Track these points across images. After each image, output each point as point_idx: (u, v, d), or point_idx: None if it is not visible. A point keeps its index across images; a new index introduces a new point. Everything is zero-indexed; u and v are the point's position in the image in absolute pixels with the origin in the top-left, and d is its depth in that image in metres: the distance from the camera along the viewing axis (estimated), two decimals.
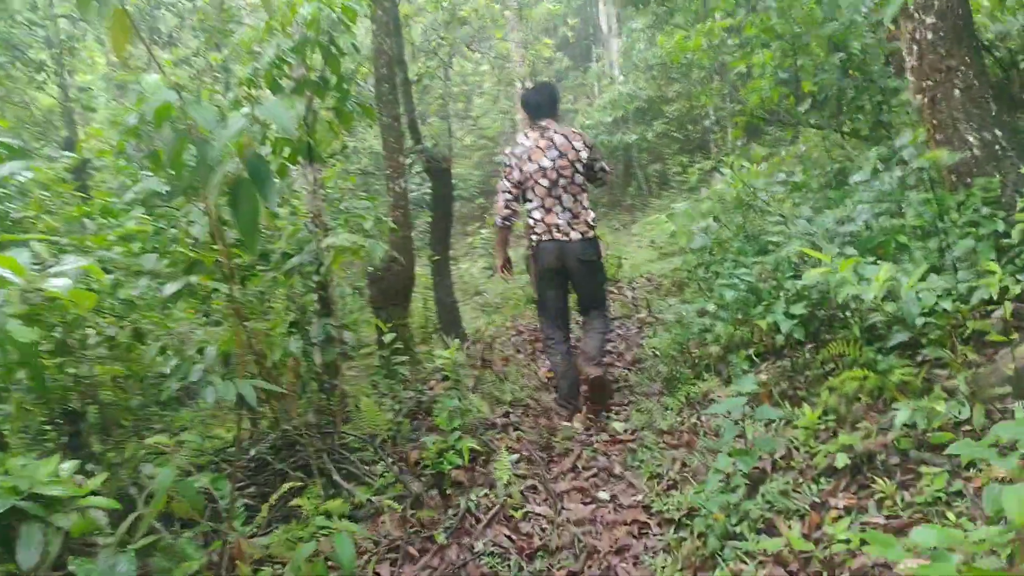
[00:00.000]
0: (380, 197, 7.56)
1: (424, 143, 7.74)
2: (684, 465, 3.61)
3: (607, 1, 21.87)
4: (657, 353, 5.57)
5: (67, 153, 10.08)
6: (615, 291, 9.08)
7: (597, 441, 4.24)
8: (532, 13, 18.29)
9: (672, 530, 3.00)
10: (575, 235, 4.48)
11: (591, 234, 4.57)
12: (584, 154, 4.50)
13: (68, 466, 2.16)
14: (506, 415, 5.07)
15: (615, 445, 4.13)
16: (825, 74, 7.92)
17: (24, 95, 12.68)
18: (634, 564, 2.85)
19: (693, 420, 4.12)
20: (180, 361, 2.57)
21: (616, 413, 4.67)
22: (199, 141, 2.14)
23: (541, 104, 4.61)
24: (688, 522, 3.03)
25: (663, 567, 2.76)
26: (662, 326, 6.51)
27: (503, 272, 5.02)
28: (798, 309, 3.58)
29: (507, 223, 4.67)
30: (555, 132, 4.49)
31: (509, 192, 4.56)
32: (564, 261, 4.52)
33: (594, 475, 3.75)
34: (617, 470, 3.76)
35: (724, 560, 2.65)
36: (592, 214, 4.61)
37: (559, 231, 4.47)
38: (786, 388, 3.74)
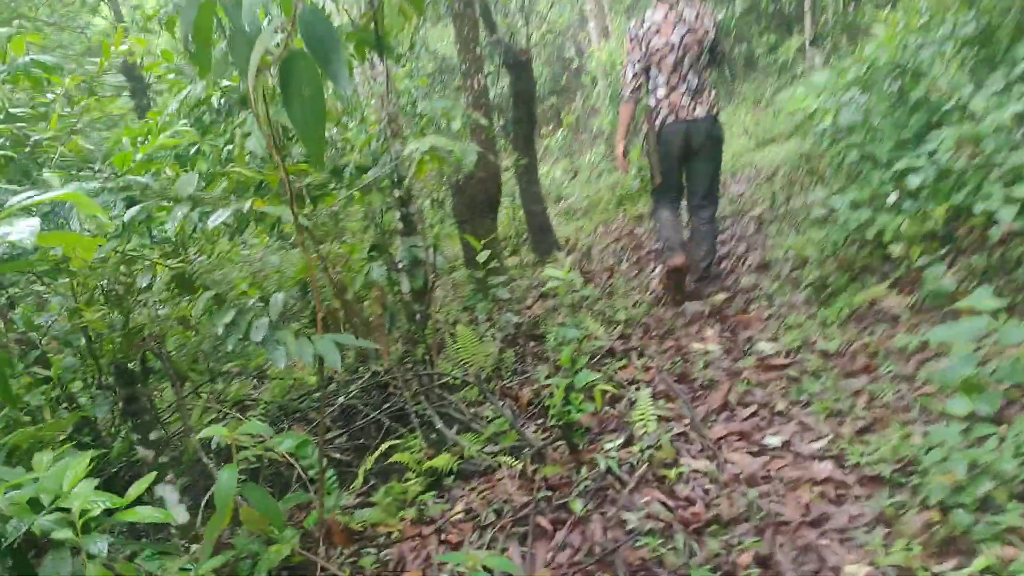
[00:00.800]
0: (455, 100, 6.80)
1: (500, 34, 6.88)
2: (872, 399, 2.88)
3: None
4: (793, 255, 4.77)
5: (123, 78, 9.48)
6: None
7: (745, 367, 3.52)
8: None
9: (886, 493, 2.29)
10: (700, 112, 4.37)
11: (716, 111, 4.47)
12: (712, 33, 4.39)
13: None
14: (624, 338, 4.40)
15: (768, 372, 3.41)
16: None
17: (79, 20, 12.18)
18: (841, 542, 2.17)
19: (866, 338, 3.35)
20: (237, 313, 1.95)
21: (760, 330, 3.93)
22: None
23: None
24: (903, 480, 2.32)
25: (886, 547, 2.08)
26: (788, 223, 5.66)
27: (621, 161, 4.85)
28: (1022, 191, 2.73)
29: (635, 96, 4.48)
30: (685, 6, 4.30)
31: (635, 64, 4.41)
32: (690, 140, 4.40)
33: (753, 414, 3.05)
34: (781, 406, 3.05)
35: (980, 541, 1.95)
36: (716, 91, 4.48)
37: (684, 110, 4.35)
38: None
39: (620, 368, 3.82)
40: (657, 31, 4.30)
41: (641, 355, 4.02)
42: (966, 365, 2.19)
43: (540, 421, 3.50)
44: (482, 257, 4.43)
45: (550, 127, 18.77)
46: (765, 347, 3.67)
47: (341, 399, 3.76)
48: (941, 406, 2.36)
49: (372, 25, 3.74)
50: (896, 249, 3.49)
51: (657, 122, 4.43)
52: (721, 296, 4.60)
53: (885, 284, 3.68)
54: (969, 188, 3.03)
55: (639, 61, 4.39)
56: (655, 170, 4.56)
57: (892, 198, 3.43)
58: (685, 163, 4.56)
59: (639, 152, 7.46)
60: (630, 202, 8.81)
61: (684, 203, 4.86)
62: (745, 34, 18.66)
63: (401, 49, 7.09)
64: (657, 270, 5.61)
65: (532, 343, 4.69)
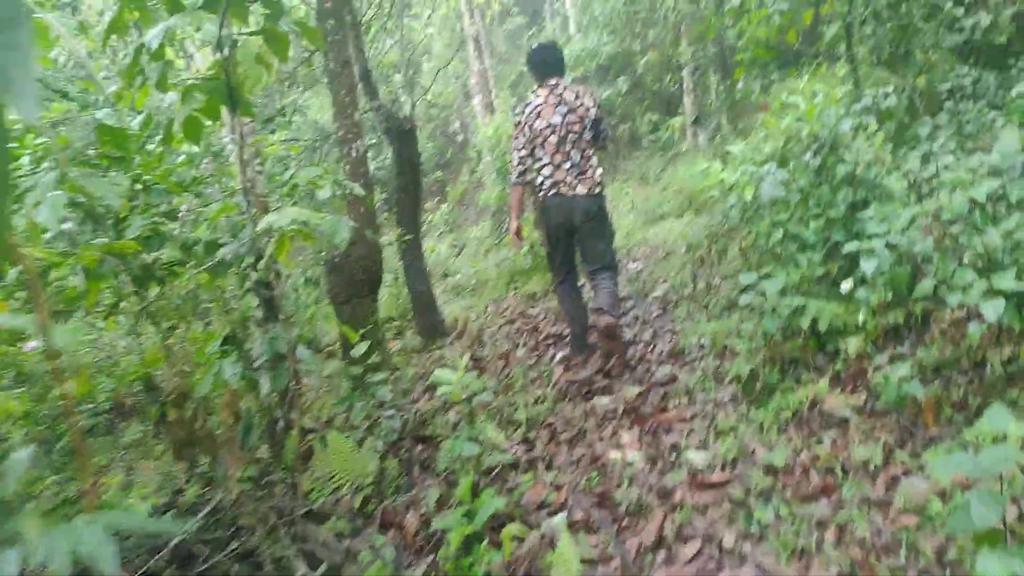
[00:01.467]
0: (333, 169, 6.16)
1: (382, 99, 6.33)
2: (841, 531, 2.35)
3: None
4: (708, 342, 4.31)
5: None
6: None
7: (676, 484, 2.95)
8: None
9: None
10: (582, 189, 4.44)
11: (598, 190, 4.51)
12: (593, 111, 4.50)
13: None
14: (527, 443, 3.77)
15: (705, 491, 2.84)
16: None
17: None
18: None
19: (815, 447, 2.85)
20: None
21: (686, 435, 3.39)
22: None
23: (548, 62, 4.57)
24: None
25: None
26: (696, 305, 5.25)
27: (516, 238, 4.84)
28: (1007, 282, 2.31)
29: (522, 179, 4.60)
30: (564, 89, 4.48)
31: (522, 149, 4.55)
32: (573, 215, 4.46)
33: (698, 552, 2.46)
34: (728, 540, 2.48)
35: None
36: (600, 170, 4.54)
37: (566, 186, 4.44)
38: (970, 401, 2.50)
39: (526, 488, 3.17)
40: (539, 114, 4.45)
41: (549, 467, 3.39)
42: (990, 509, 1.68)
43: (431, 558, 2.80)
44: (359, 349, 3.74)
45: (435, 201, 18.34)
46: (696, 458, 3.11)
47: (175, 539, 2.94)
48: (929, 546, 1.83)
49: (224, 75, 3.10)
50: (850, 344, 3.04)
51: (541, 195, 4.54)
52: (634, 390, 4.07)
53: (824, 380, 3.23)
54: (937, 276, 2.61)
55: (524, 145, 4.52)
56: (544, 242, 4.75)
57: (845, 286, 3.00)
58: (574, 237, 4.62)
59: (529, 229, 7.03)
60: (522, 279, 8.33)
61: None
62: (629, 113, 18.97)
63: (269, 112, 6.44)
64: (558, 356, 5.07)
65: (420, 447, 4.00)
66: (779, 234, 3.62)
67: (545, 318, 6.28)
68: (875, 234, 2.88)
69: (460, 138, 20.94)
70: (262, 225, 2.76)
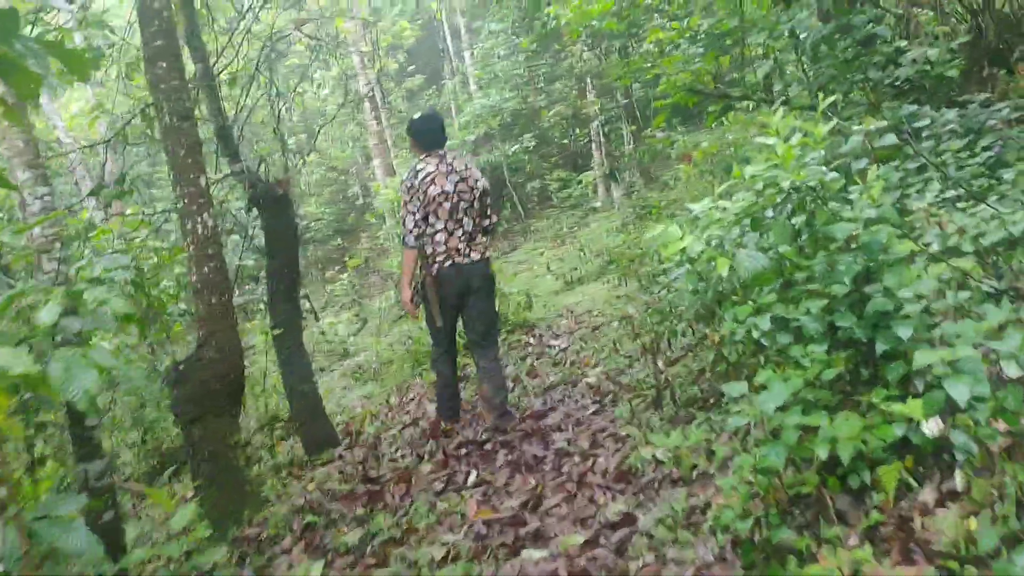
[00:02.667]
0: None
1: (245, 160, 5.18)
2: None
3: (457, 12, 19.82)
4: (670, 458, 3.29)
5: None
6: (533, 341, 6.79)
7: None
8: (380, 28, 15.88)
9: None
10: (475, 255, 4.56)
11: (488, 255, 4.65)
12: (482, 182, 4.61)
13: None
14: None
15: None
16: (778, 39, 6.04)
17: None
18: None
19: None
20: None
21: None
22: None
23: (432, 131, 4.62)
24: None
25: None
26: (643, 401, 4.25)
27: (410, 306, 4.71)
28: None
29: (417, 243, 4.50)
30: (453, 159, 4.55)
31: (416, 213, 4.46)
32: (468, 282, 4.55)
33: None
34: None
35: None
36: (487, 239, 4.68)
37: (460, 254, 4.52)
38: None
39: None
40: (432, 181, 4.43)
41: None
42: None
43: None
44: (179, 522, 2.54)
45: (336, 270, 17.06)
46: None
47: None
48: None
49: None
50: (884, 478, 2.05)
51: (435, 267, 4.52)
52: (578, 538, 2.99)
53: (856, 535, 2.23)
54: None
55: (418, 210, 4.46)
56: (434, 313, 4.62)
57: (931, 428, 2.00)
58: (462, 306, 4.65)
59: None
60: (428, 361, 7.24)
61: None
62: (537, 170, 18.26)
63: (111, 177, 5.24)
64: (473, 476, 3.98)
65: None
66: (766, 322, 2.64)
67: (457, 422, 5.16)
68: (956, 336, 1.93)
69: (360, 202, 19.84)
70: None
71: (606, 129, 13.10)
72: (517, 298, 7.47)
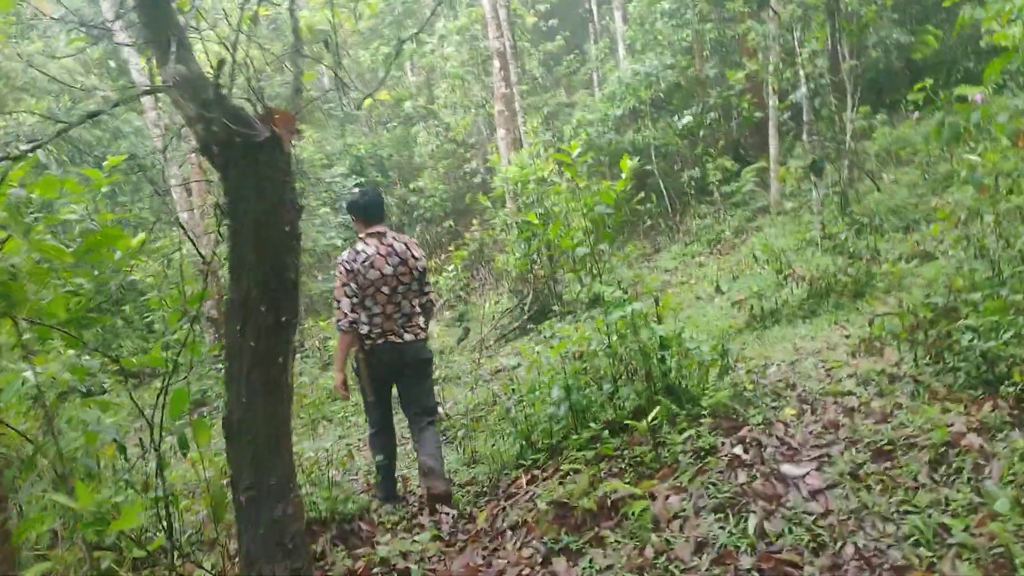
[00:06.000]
0: None
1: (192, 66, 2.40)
2: None
3: None
4: None
5: None
6: (746, 457, 3.66)
7: None
8: None
9: None
10: (410, 336, 4.49)
11: (423, 335, 4.61)
12: (422, 263, 4.59)
13: None
14: None
15: None
16: None
17: None
18: None
19: None
20: None
21: None
22: None
23: (373, 207, 4.55)
24: None
25: None
26: None
27: (342, 389, 4.64)
28: None
29: (352, 327, 4.39)
30: (393, 239, 4.51)
31: (353, 297, 4.40)
32: (402, 360, 4.48)
33: None
34: None
35: None
36: (423, 319, 4.64)
37: (394, 334, 4.45)
38: None
39: None
40: (371, 264, 4.37)
41: None
42: None
43: None
44: None
45: (442, 259, 14.41)
46: None
47: None
48: None
49: None
50: None
51: (368, 344, 4.42)
52: None
53: None
54: None
55: (355, 294, 4.38)
56: (368, 391, 4.52)
57: None
58: (397, 384, 4.59)
59: None
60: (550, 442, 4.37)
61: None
62: (690, 158, 15.05)
63: None
64: None
65: None
66: None
67: None
68: None
69: (478, 179, 17.12)
70: None
71: (817, 103, 9.73)
72: (699, 354, 4.40)
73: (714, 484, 3.32)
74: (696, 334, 4.60)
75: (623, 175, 4.77)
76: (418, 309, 4.57)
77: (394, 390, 4.62)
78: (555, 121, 17.48)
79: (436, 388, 8.36)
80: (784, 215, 11.04)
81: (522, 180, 10.24)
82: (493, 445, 5.17)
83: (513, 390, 5.52)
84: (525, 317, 10.34)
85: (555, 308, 7.64)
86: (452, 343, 10.48)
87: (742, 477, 3.32)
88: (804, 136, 9.97)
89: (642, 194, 11.23)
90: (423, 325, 4.61)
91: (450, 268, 12.72)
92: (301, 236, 2.55)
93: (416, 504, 4.53)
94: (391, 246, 4.43)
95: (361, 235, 4.50)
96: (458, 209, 18.16)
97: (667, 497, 3.32)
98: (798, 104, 10.73)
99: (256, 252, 2.37)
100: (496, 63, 14.23)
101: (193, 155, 13.61)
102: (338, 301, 4.44)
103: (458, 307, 12.41)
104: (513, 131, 14.95)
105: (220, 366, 12.01)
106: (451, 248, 13.66)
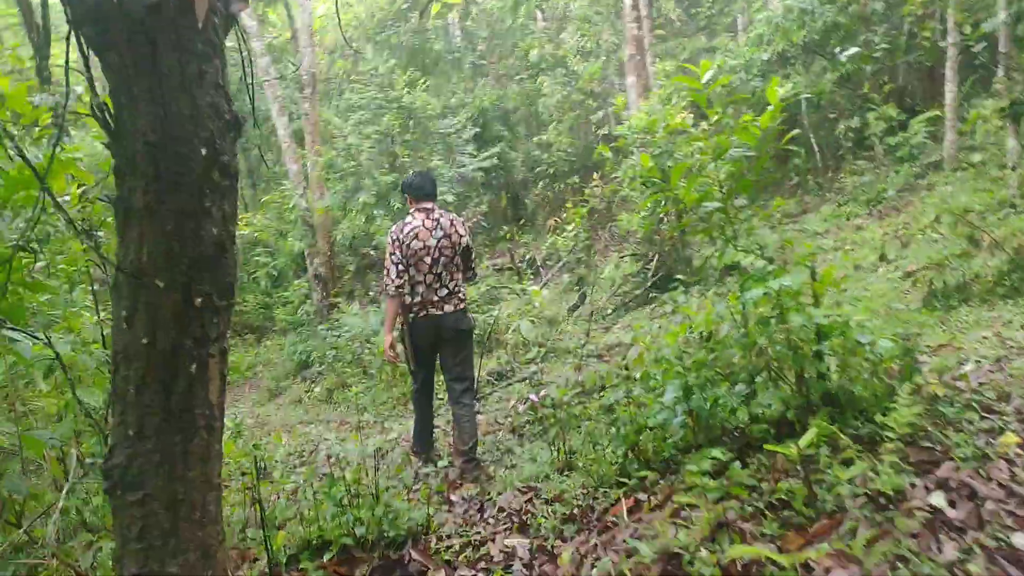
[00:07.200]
0: None
1: None
2: None
3: None
4: None
5: None
6: (961, 518, 2.50)
7: None
8: None
9: None
10: (449, 308, 4.73)
11: (463, 306, 4.82)
12: (466, 239, 4.82)
13: None
14: None
15: None
16: None
17: None
18: None
19: None
20: None
21: None
22: None
23: (425, 187, 4.81)
24: None
25: None
26: None
27: (390, 353, 4.91)
28: None
29: (399, 291, 4.69)
30: (440, 215, 4.76)
31: (399, 264, 4.67)
32: (439, 332, 4.74)
33: None
34: None
35: None
36: (465, 291, 4.86)
37: (434, 307, 4.70)
38: None
39: None
40: (416, 236, 4.65)
41: None
42: None
43: None
44: None
45: (562, 217, 13.33)
46: None
47: None
48: None
49: None
50: None
51: (411, 317, 4.72)
52: None
53: None
54: None
55: (400, 261, 4.66)
56: (410, 357, 4.85)
57: None
58: (438, 352, 4.87)
59: None
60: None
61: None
62: (845, 105, 13.22)
63: None
64: None
65: None
66: None
67: None
68: None
69: (605, 131, 15.85)
70: None
71: (1021, 31, 7.96)
72: (872, 352, 3.18)
73: (904, 559, 2.18)
74: (867, 321, 3.36)
75: (770, 106, 3.59)
76: (461, 283, 4.83)
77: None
78: (693, 68, 15.94)
79: (538, 366, 7.43)
80: (964, 170, 9.29)
81: (649, 128, 9.01)
82: (595, 447, 4.16)
83: (624, 378, 4.43)
84: (648, 284, 9.19)
85: (681, 276, 6.52)
86: (563, 311, 9.45)
87: (950, 551, 2.16)
88: (1000, 72, 8.19)
89: (796, 130, 9.75)
90: (463, 297, 4.85)
91: (569, 227, 11.66)
92: (238, 166, 1.61)
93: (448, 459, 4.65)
94: (437, 220, 4.73)
95: (412, 209, 4.80)
96: (586, 165, 16.98)
97: (828, 572, 2.21)
98: (989, 37, 8.91)
99: (152, 192, 1.45)
100: (627, 3, 12.91)
101: (307, 104, 13.09)
102: (387, 269, 4.74)
103: (578, 270, 11.36)
104: (644, 77, 13.63)
105: (326, 326, 11.54)
106: (568, 206, 12.55)
